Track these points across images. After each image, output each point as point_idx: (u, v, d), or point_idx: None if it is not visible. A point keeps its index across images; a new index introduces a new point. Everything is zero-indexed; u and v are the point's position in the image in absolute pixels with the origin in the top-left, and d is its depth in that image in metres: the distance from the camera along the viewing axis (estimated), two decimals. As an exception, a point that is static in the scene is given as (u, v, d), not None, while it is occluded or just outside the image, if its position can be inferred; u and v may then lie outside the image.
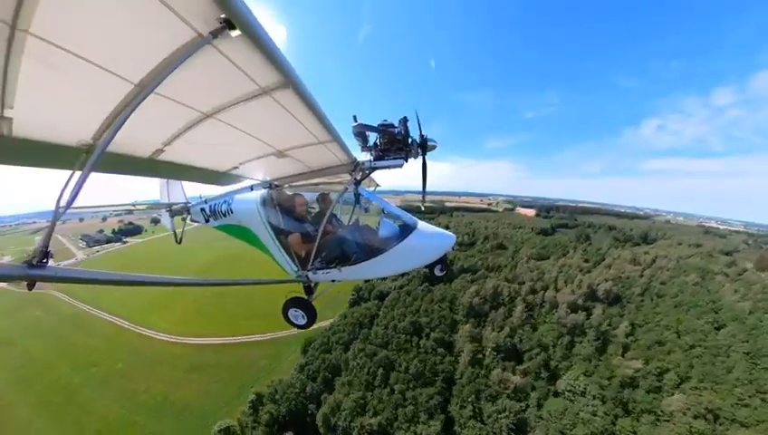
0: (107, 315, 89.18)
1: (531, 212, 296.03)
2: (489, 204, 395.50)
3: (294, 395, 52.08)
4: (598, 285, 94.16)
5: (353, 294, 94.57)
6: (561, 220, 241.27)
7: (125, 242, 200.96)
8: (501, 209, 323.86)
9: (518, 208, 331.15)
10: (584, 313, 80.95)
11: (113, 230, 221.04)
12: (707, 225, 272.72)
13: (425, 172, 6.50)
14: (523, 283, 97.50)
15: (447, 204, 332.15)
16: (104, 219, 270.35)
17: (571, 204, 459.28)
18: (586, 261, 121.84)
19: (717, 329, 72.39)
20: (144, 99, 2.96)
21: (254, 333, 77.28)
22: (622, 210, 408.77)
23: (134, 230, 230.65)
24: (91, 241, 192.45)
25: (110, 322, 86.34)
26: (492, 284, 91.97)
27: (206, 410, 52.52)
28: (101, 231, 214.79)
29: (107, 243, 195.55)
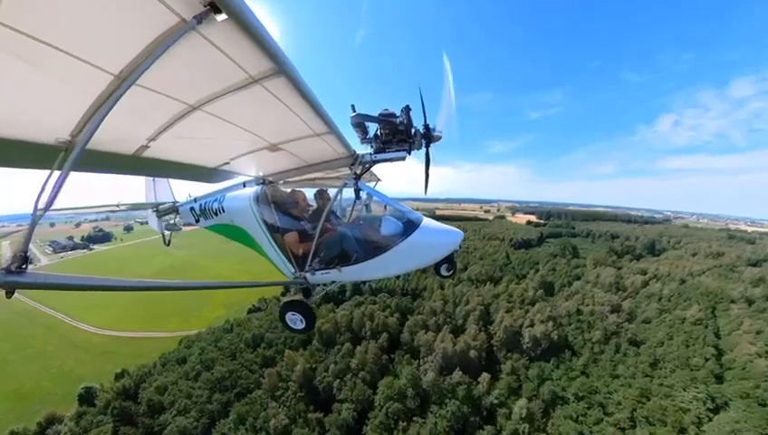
0: (52, 311, 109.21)
1: (523, 219, 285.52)
2: (487, 211, 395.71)
3: (144, 374, 69.97)
4: (526, 327, 68.09)
5: (253, 306, 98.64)
6: (556, 228, 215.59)
7: (91, 249, 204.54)
8: (491, 217, 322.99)
9: (516, 214, 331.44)
10: (460, 372, 58.33)
11: (82, 237, 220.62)
12: (733, 227, 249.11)
13: (428, 165, 6.47)
14: (420, 314, 78.98)
15: (437, 211, 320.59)
16: (77, 225, 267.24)
17: (582, 208, 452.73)
18: (539, 287, 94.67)
19: (713, 412, 42.56)
20: (125, 91, 2.90)
21: (164, 330, 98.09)
22: (638, 214, 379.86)
23: (103, 238, 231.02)
24: (58, 247, 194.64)
25: (53, 316, 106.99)
26: (360, 311, 79.52)
27: (93, 380, 69.58)
28: (71, 237, 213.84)
29: (73, 249, 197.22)
